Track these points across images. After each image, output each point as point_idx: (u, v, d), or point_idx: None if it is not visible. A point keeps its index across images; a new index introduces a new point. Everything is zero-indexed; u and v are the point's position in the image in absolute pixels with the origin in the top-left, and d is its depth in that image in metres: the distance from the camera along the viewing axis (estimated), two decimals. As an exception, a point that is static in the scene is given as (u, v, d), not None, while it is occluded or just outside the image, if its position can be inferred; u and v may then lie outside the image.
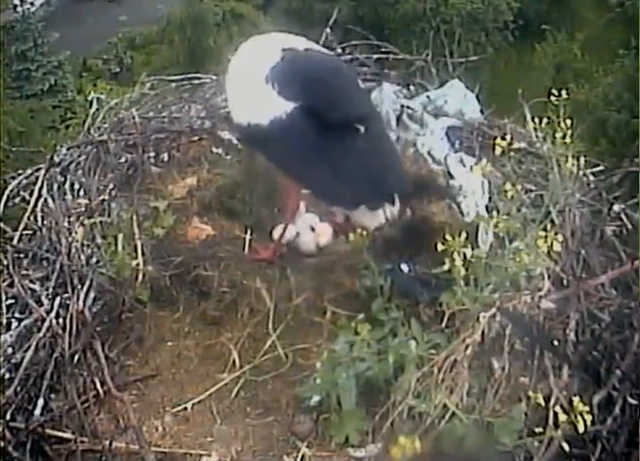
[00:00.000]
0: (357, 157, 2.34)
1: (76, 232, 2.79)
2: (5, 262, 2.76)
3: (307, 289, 2.66)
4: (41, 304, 2.60)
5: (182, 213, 3.02)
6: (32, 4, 15.87)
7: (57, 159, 3.40)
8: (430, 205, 2.92)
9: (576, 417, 1.91)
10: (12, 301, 2.67)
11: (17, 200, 3.23)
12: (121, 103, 3.82)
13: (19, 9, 14.69)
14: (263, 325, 2.59)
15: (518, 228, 2.36)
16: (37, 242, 2.95)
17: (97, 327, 2.55)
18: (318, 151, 2.33)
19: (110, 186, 3.20)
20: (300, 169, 2.42)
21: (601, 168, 3.29)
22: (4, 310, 2.63)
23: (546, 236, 2.23)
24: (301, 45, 2.64)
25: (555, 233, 2.24)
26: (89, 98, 4.12)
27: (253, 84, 2.48)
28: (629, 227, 2.95)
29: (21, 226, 3.01)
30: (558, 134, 2.73)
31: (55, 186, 3.20)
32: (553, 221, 2.61)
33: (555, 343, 2.41)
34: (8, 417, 2.28)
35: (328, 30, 4.12)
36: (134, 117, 3.55)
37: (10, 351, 2.49)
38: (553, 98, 2.93)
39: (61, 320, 2.52)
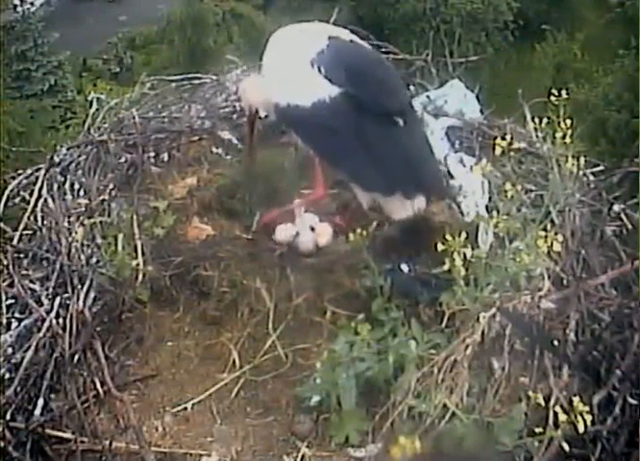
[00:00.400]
0: (395, 148, 2.37)
1: (76, 232, 2.79)
2: (5, 262, 2.76)
3: (307, 289, 2.66)
4: (41, 304, 2.60)
5: (182, 213, 3.03)
6: (32, 4, 15.85)
7: (57, 159, 3.40)
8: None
9: (576, 417, 1.91)
10: (12, 301, 2.67)
11: (17, 200, 3.24)
12: (121, 103, 3.82)
13: (19, 9, 14.66)
14: (263, 325, 2.59)
15: (518, 228, 2.36)
16: (37, 242, 2.95)
17: (97, 327, 2.55)
18: (358, 137, 2.35)
19: (110, 186, 3.20)
20: (338, 152, 2.44)
21: (601, 168, 3.29)
22: (4, 310, 2.63)
23: (546, 236, 2.23)
24: (345, 36, 2.67)
25: (555, 233, 2.24)
26: (89, 98, 4.12)
27: (297, 66, 2.49)
28: (629, 227, 2.94)
29: (21, 226, 3.01)
30: (558, 134, 2.73)
31: (55, 186, 3.20)
32: (553, 221, 2.61)
33: (555, 343, 2.41)
34: (8, 417, 2.28)
35: (328, 30, 4.12)
36: (134, 117, 3.55)
37: (10, 351, 2.49)
38: (553, 98, 2.93)
39: (61, 320, 2.52)
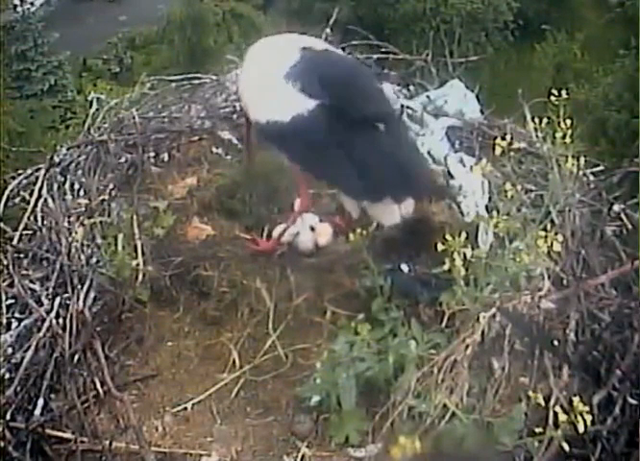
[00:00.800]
0: (379, 153, 2.36)
1: (76, 232, 2.79)
2: (5, 262, 2.76)
3: (307, 289, 2.66)
4: (41, 304, 2.60)
5: (182, 213, 3.03)
6: (32, 4, 15.82)
7: (57, 159, 3.40)
8: (431, 205, 2.92)
9: (576, 417, 1.91)
10: (12, 301, 2.67)
11: (17, 200, 3.23)
12: (121, 103, 3.82)
13: (19, 9, 14.64)
14: (263, 325, 2.59)
15: (518, 228, 2.36)
16: (37, 242, 2.94)
17: (97, 327, 2.55)
18: (340, 147, 2.35)
19: (110, 186, 3.20)
20: (321, 164, 2.44)
21: (601, 168, 3.29)
22: (4, 310, 2.63)
23: (546, 236, 2.23)
24: (318, 46, 2.67)
25: (555, 233, 2.24)
26: (89, 98, 4.12)
27: (272, 82, 2.50)
28: (629, 227, 2.94)
29: (21, 226, 3.01)
30: (558, 134, 2.73)
31: (55, 186, 3.20)
32: (553, 221, 2.61)
33: (555, 343, 2.41)
34: (8, 417, 2.28)
35: (328, 30, 4.13)
36: (134, 117, 3.55)
37: (10, 351, 2.49)
38: (553, 98, 2.93)
39: (61, 320, 2.52)
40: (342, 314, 2.57)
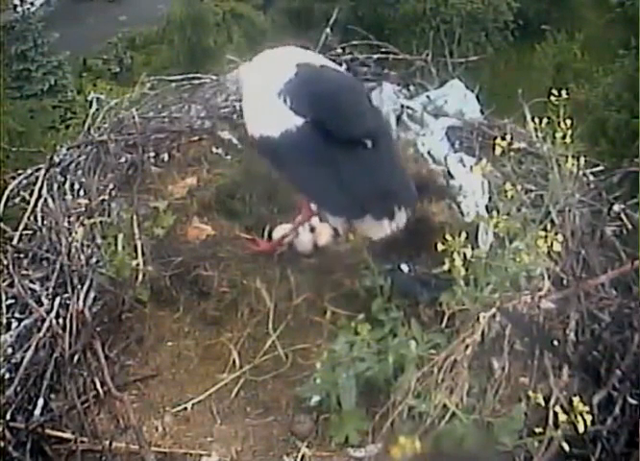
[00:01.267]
0: (363, 170, 2.39)
1: (76, 232, 2.79)
2: (5, 262, 2.76)
3: (307, 289, 2.66)
4: (41, 304, 2.60)
5: (182, 213, 3.03)
6: (32, 4, 15.83)
7: (57, 159, 3.40)
8: (431, 205, 2.92)
9: (576, 417, 1.91)
10: (12, 301, 2.67)
11: (17, 200, 3.23)
12: (121, 103, 3.82)
13: (19, 9, 14.65)
14: (263, 325, 2.59)
15: (518, 228, 2.36)
16: (37, 242, 2.94)
17: (97, 327, 2.55)
18: (324, 163, 2.38)
19: (110, 186, 3.20)
20: (305, 180, 2.48)
21: (601, 168, 3.29)
22: (4, 310, 2.63)
23: (546, 236, 2.23)
24: (316, 61, 2.72)
25: (555, 233, 2.24)
26: (89, 98, 4.12)
27: (266, 97, 2.54)
28: (629, 227, 2.94)
29: (21, 226, 3.01)
30: (558, 134, 2.73)
31: (55, 186, 3.20)
32: (553, 221, 2.61)
33: (555, 343, 2.41)
34: (8, 417, 2.28)
35: (328, 30, 4.13)
36: (134, 117, 3.55)
37: (10, 351, 2.49)
38: (553, 98, 2.93)
39: (61, 320, 2.52)
40: (342, 314, 2.57)
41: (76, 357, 2.45)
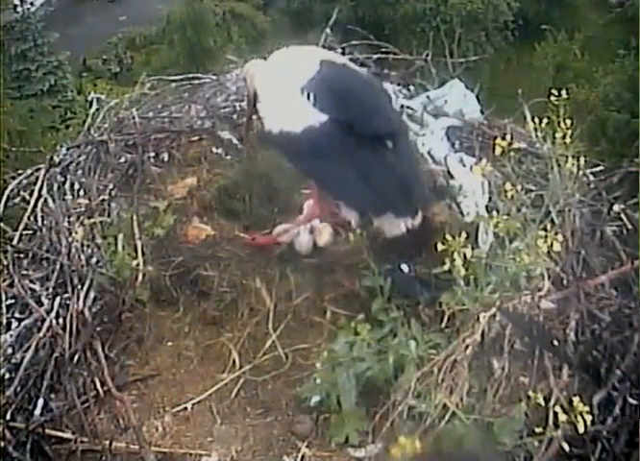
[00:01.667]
0: (385, 169, 2.43)
1: (76, 232, 2.79)
2: (5, 262, 2.76)
3: (307, 289, 2.66)
4: (41, 304, 2.60)
5: (182, 213, 3.03)
6: (32, 4, 15.82)
7: (57, 159, 3.40)
8: (431, 205, 2.92)
9: (576, 417, 1.91)
10: (12, 301, 2.67)
11: (17, 200, 3.23)
12: (121, 103, 3.82)
13: (19, 9, 14.65)
14: (263, 325, 2.59)
15: (518, 228, 2.36)
16: (37, 242, 2.95)
17: (97, 327, 2.55)
18: (347, 161, 2.42)
19: (110, 186, 3.20)
20: (329, 176, 2.51)
21: (601, 168, 3.29)
22: (4, 310, 2.63)
23: (546, 236, 2.23)
24: (338, 60, 2.74)
25: (555, 233, 2.24)
26: (89, 98, 4.13)
27: (288, 93, 2.56)
28: (629, 227, 2.94)
29: (21, 226, 3.01)
30: (558, 134, 2.73)
31: (55, 186, 3.21)
32: (553, 221, 2.61)
33: (555, 343, 2.41)
34: (8, 417, 2.28)
35: (328, 30, 4.13)
36: (134, 117, 3.56)
37: (10, 351, 2.50)
38: (553, 98, 2.93)
39: (61, 320, 2.52)
40: (342, 314, 2.57)
41: (76, 357, 2.45)
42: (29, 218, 3.05)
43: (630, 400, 2.28)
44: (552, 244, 2.22)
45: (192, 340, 2.62)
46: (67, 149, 3.52)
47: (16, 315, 2.62)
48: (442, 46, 4.28)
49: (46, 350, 2.46)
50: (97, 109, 3.83)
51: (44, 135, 11.12)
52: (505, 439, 2.09)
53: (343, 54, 4.00)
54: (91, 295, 2.62)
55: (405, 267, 2.63)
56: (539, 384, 2.30)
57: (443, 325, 2.30)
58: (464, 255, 2.17)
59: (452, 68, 3.93)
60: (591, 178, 3.21)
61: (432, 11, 16.80)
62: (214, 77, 4.10)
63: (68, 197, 3.18)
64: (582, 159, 2.62)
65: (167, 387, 2.48)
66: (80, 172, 3.34)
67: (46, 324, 2.49)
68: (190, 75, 4.20)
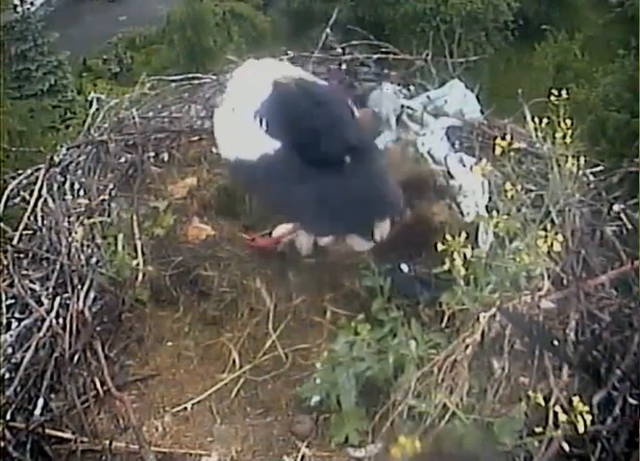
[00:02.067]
0: (341, 188, 2.41)
1: (76, 232, 2.79)
2: (5, 262, 2.76)
3: (307, 289, 2.66)
4: (41, 304, 2.60)
5: (182, 213, 3.03)
6: (32, 4, 15.85)
7: (57, 159, 3.40)
8: (431, 205, 2.92)
9: (576, 417, 1.91)
10: (12, 301, 2.67)
11: (17, 200, 3.23)
12: (121, 103, 3.82)
13: (19, 9, 14.66)
14: (263, 325, 2.59)
15: (518, 228, 2.36)
16: (37, 242, 2.94)
17: (97, 327, 2.55)
18: (302, 185, 2.40)
19: (110, 186, 3.20)
20: (284, 203, 2.51)
21: (601, 168, 3.29)
22: (4, 310, 2.63)
23: (546, 236, 2.23)
24: (294, 76, 2.68)
25: (555, 233, 2.24)
26: (89, 98, 4.12)
27: (242, 119, 2.54)
28: (629, 227, 2.94)
29: (21, 226, 3.01)
30: (558, 134, 2.73)
31: (55, 186, 3.20)
32: (553, 221, 2.61)
33: (555, 343, 2.41)
34: (8, 417, 2.28)
35: (328, 30, 4.13)
36: (134, 117, 3.55)
37: (10, 351, 2.49)
38: (553, 98, 2.93)
39: (61, 320, 2.52)
40: (342, 314, 2.57)
41: (76, 357, 2.45)
42: (29, 218, 3.04)
43: (630, 400, 2.28)
44: (552, 244, 2.22)
45: (192, 340, 2.62)
46: (67, 149, 3.52)
47: (16, 315, 2.62)
48: (442, 46, 4.27)
49: (46, 350, 2.46)
50: (97, 109, 3.83)
51: (44, 135, 11.13)
52: (505, 439, 2.09)
53: (343, 54, 4.01)
54: (91, 295, 2.62)
55: (405, 267, 2.63)
56: (539, 384, 2.30)
57: (443, 325, 2.30)
58: (464, 255, 2.17)
59: (452, 68, 3.93)
60: (591, 178, 3.21)
61: (432, 11, 16.81)
62: (214, 77, 4.09)
63: (68, 197, 3.17)
64: (582, 159, 2.62)
65: (167, 387, 2.48)
66: (80, 172, 3.34)
67: (46, 324, 2.49)
68: (190, 75, 4.20)
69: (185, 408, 2.41)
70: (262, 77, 2.63)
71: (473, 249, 2.21)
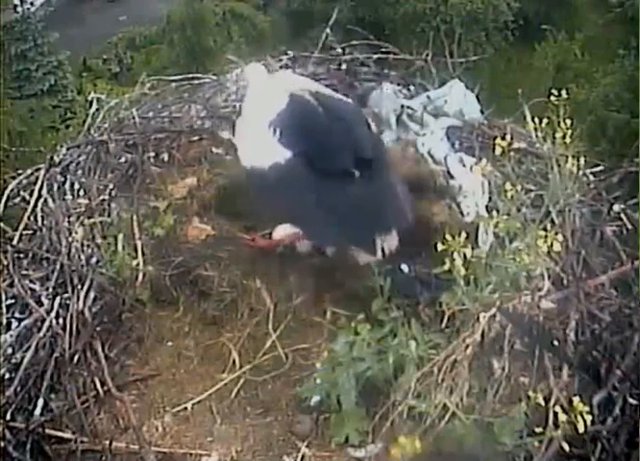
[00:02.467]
0: (350, 201, 2.44)
1: (76, 232, 2.79)
2: (5, 262, 2.76)
3: (307, 289, 2.66)
4: (41, 304, 2.60)
5: (182, 213, 3.03)
6: (32, 4, 15.84)
7: (57, 159, 3.40)
8: (431, 205, 2.92)
9: (576, 417, 1.91)
10: (12, 301, 2.67)
11: (17, 200, 3.23)
12: (121, 103, 3.82)
13: (19, 9, 14.66)
14: (263, 325, 2.59)
15: (518, 228, 2.36)
16: (37, 242, 2.95)
17: (97, 327, 2.55)
18: (312, 196, 2.43)
19: (110, 186, 3.20)
20: (294, 213, 2.54)
21: (601, 168, 3.29)
22: (4, 310, 2.63)
23: (546, 236, 2.23)
24: (311, 88, 2.74)
25: (555, 233, 2.24)
26: (89, 98, 4.12)
27: (258, 129, 2.59)
28: (629, 227, 2.94)
29: (21, 226, 3.01)
30: (558, 134, 2.73)
31: (55, 186, 3.21)
32: (553, 221, 2.61)
33: (555, 343, 2.41)
34: (8, 417, 2.28)
35: (328, 30, 4.13)
36: (134, 117, 3.56)
37: (10, 351, 2.50)
38: (553, 98, 2.93)
39: (61, 320, 2.52)
40: (342, 314, 2.57)
41: (76, 357, 2.45)
42: (29, 218, 3.05)
43: (630, 400, 2.27)
44: (552, 244, 2.22)
45: (192, 340, 2.62)
46: (67, 149, 3.52)
47: (16, 315, 2.62)
48: (442, 46, 4.27)
49: (46, 350, 2.46)
50: (97, 109, 3.83)
51: (44, 135, 11.14)
52: (505, 439, 2.09)
53: (343, 54, 4.01)
54: (91, 295, 2.62)
55: (405, 267, 2.63)
56: (539, 384, 2.30)
57: (443, 325, 2.30)
58: (464, 255, 2.17)
59: (452, 68, 3.93)
60: (591, 178, 3.21)
61: (432, 11, 16.80)
62: (214, 77, 4.10)
63: (68, 197, 3.18)
64: (582, 159, 2.63)
65: (167, 387, 2.48)
66: (80, 172, 3.34)
67: (46, 324, 2.49)
68: (190, 75, 4.20)
69: (185, 408, 2.40)
70: (280, 88, 2.71)
71: (473, 249, 2.21)
